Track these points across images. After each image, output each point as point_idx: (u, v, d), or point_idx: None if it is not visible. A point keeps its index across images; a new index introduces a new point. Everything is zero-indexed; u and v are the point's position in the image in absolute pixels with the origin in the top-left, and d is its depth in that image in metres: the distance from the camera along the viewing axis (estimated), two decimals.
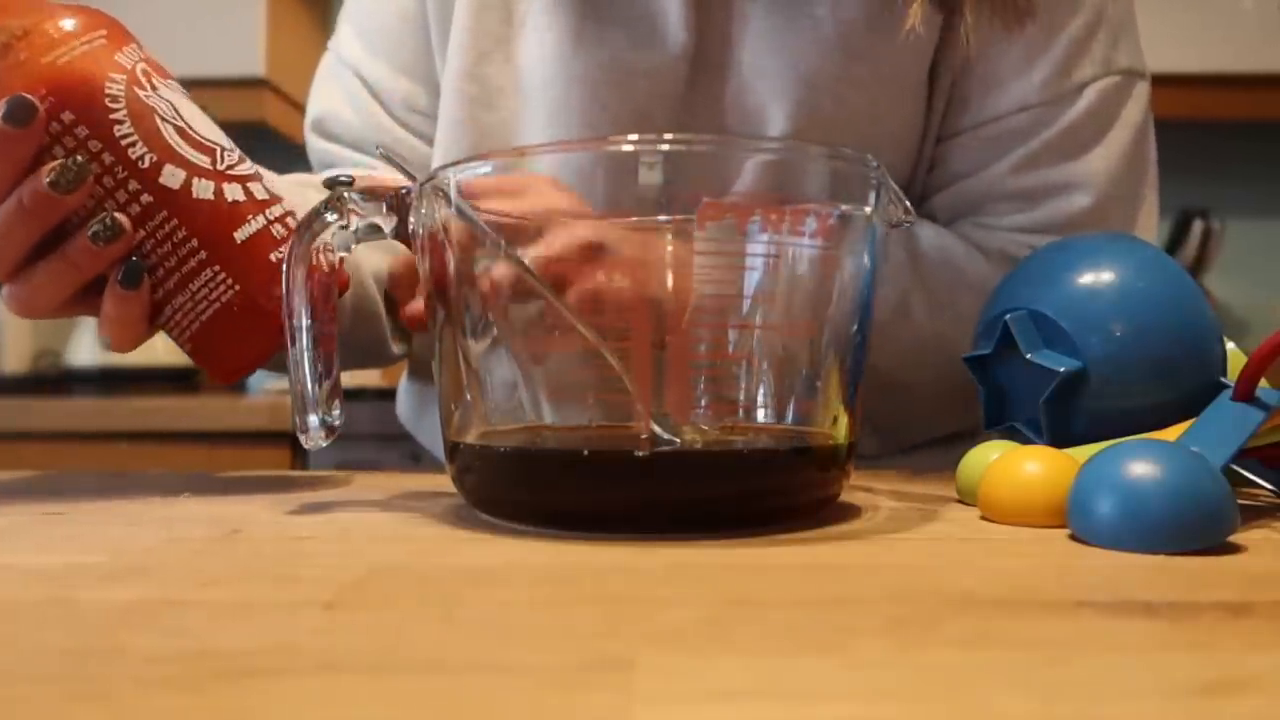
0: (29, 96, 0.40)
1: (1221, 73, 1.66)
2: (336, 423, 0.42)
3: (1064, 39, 0.60)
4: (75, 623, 0.25)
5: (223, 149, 0.44)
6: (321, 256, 0.41)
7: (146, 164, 0.42)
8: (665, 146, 0.36)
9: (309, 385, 0.41)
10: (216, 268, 0.43)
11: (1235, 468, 0.42)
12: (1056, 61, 0.60)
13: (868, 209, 0.38)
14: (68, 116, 0.41)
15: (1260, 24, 1.68)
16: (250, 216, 0.43)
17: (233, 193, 0.43)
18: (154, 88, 0.42)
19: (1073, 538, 0.35)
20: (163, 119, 0.42)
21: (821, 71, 0.59)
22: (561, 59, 0.60)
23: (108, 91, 0.41)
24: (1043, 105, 0.60)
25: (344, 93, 0.69)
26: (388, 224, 0.40)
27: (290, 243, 0.40)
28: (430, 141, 0.68)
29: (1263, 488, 0.43)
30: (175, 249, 0.43)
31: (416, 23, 0.67)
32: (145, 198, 0.42)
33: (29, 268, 0.42)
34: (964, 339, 0.58)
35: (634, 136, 0.36)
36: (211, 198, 0.42)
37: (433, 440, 0.76)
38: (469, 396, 0.40)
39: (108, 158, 0.41)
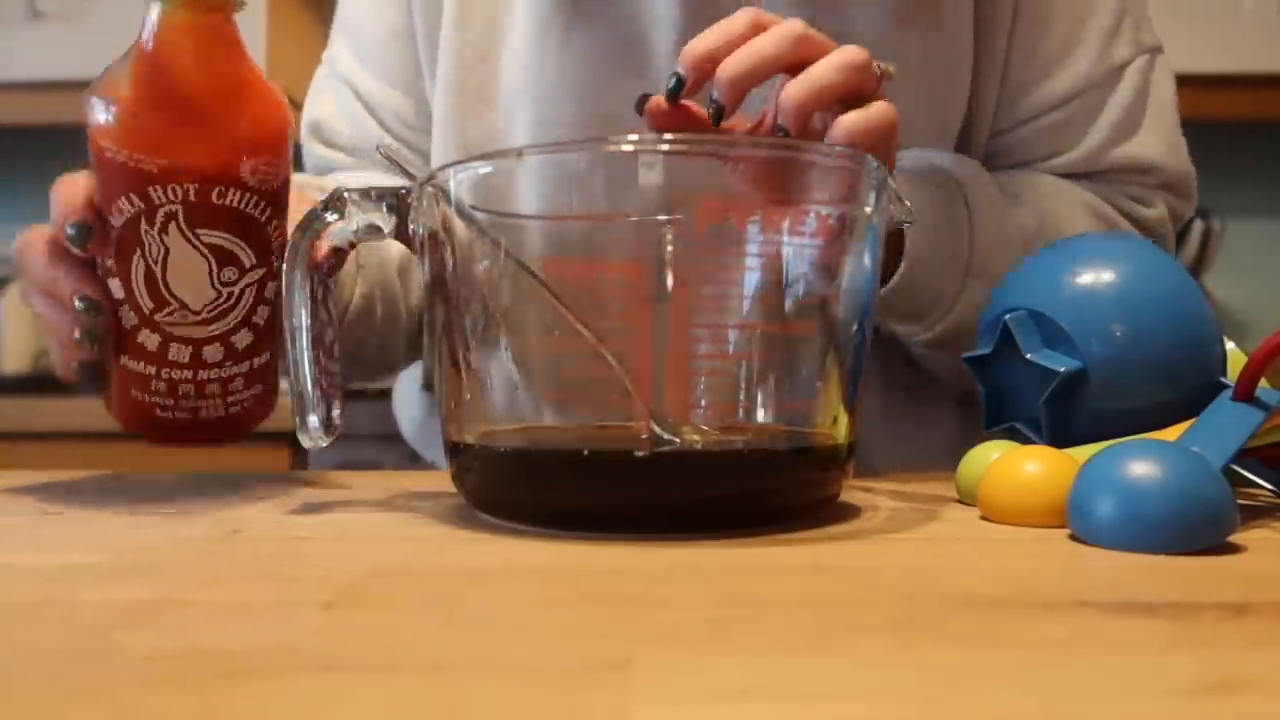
0: (88, 224, 0.42)
1: (1221, 73, 1.66)
2: (337, 423, 0.42)
3: (1097, 25, 0.63)
4: (75, 623, 0.25)
5: (178, 309, 0.43)
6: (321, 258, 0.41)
7: (107, 266, 0.43)
8: (665, 146, 0.36)
9: (309, 385, 0.41)
10: (106, 364, 0.45)
11: (1235, 468, 0.42)
12: (1096, 46, 0.63)
13: (868, 209, 0.38)
14: (96, 199, 0.43)
15: (1260, 24, 1.68)
16: (141, 362, 0.44)
17: (146, 338, 0.44)
18: (164, 230, 0.42)
19: (1073, 538, 0.35)
20: (143, 257, 0.43)
21: None
22: (544, 63, 0.61)
23: (118, 206, 0.42)
24: (1093, 89, 0.63)
25: (338, 103, 0.70)
26: (387, 224, 0.40)
27: (289, 243, 0.40)
28: (419, 152, 0.69)
29: (1263, 488, 0.43)
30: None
31: (405, 39, 0.68)
32: (105, 280, 0.44)
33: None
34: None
35: (634, 136, 0.36)
36: (126, 328, 0.44)
37: (439, 451, 0.77)
38: (469, 396, 0.40)
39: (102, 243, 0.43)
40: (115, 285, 0.43)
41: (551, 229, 0.40)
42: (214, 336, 0.44)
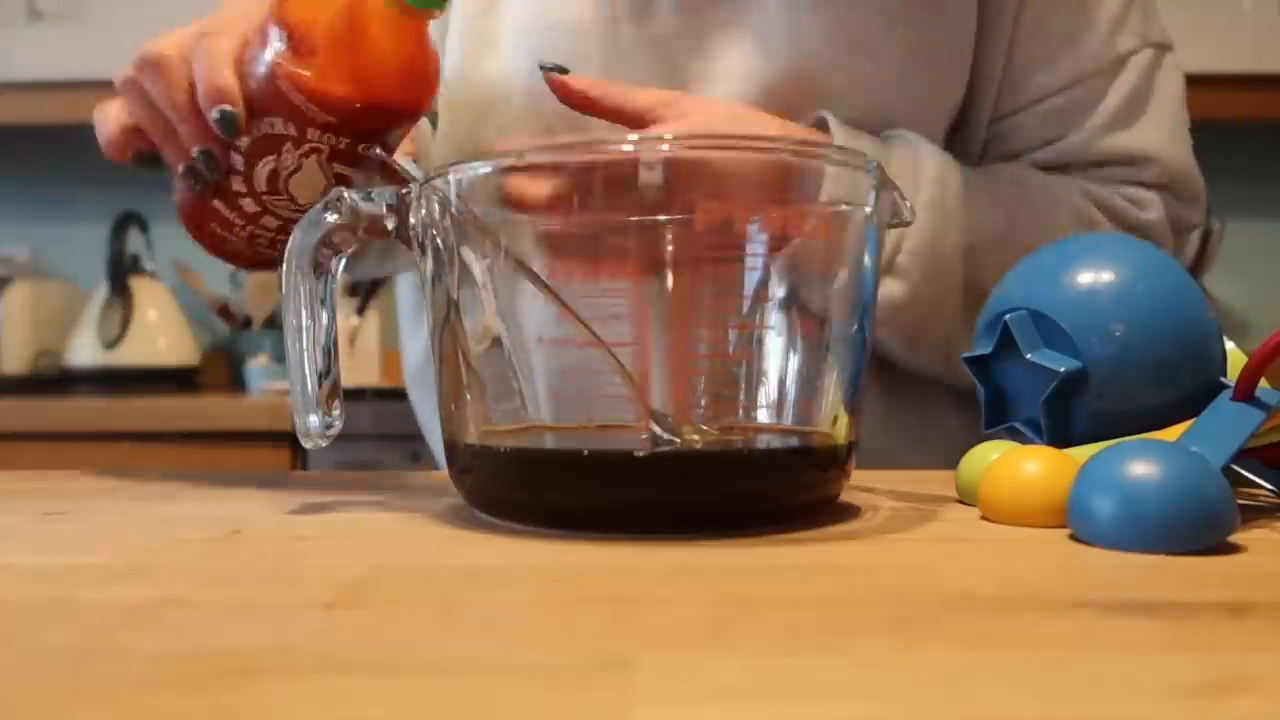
0: (239, 120, 0.45)
1: (1221, 73, 1.66)
2: (336, 423, 0.42)
3: (1103, 15, 0.63)
4: (76, 623, 0.25)
5: (287, 200, 0.47)
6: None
7: (235, 143, 0.46)
8: (665, 147, 0.36)
9: (309, 385, 0.41)
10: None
11: (1235, 468, 0.42)
12: (1101, 35, 0.63)
13: (868, 209, 0.38)
14: (245, 87, 0.45)
15: (1260, 24, 1.68)
16: (233, 214, 0.48)
17: (246, 203, 0.47)
18: (305, 155, 0.45)
19: (1073, 538, 0.35)
20: (274, 160, 0.46)
21: (862, 33, 0.60)
22: (546, 4, 0.63)
23: (271, 121, 0.45)
24: (1094, 77, 0.63)
25: None
26: (388, 223, 0.40)
27: (289, 244, 0.40)
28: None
29: (1263, 488, 0.43)
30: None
31: None
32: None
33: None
34: None
35: (634, 136, 0.36)
36: (231, 188, 0.47)
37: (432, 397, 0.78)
38: (469, 396, 0.40)
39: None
40: (237, 158, 0.46)
41: (552, 229, 0.40)
42: (275, 222, 0.48)
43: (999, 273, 0.58)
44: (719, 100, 0.57)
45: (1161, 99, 0.65)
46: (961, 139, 0.66)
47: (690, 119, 0.52)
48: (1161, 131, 0.64)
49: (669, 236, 0.37)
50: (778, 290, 0.38)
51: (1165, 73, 0.65)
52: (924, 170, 0.59)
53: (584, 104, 0.53)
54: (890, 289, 0.59)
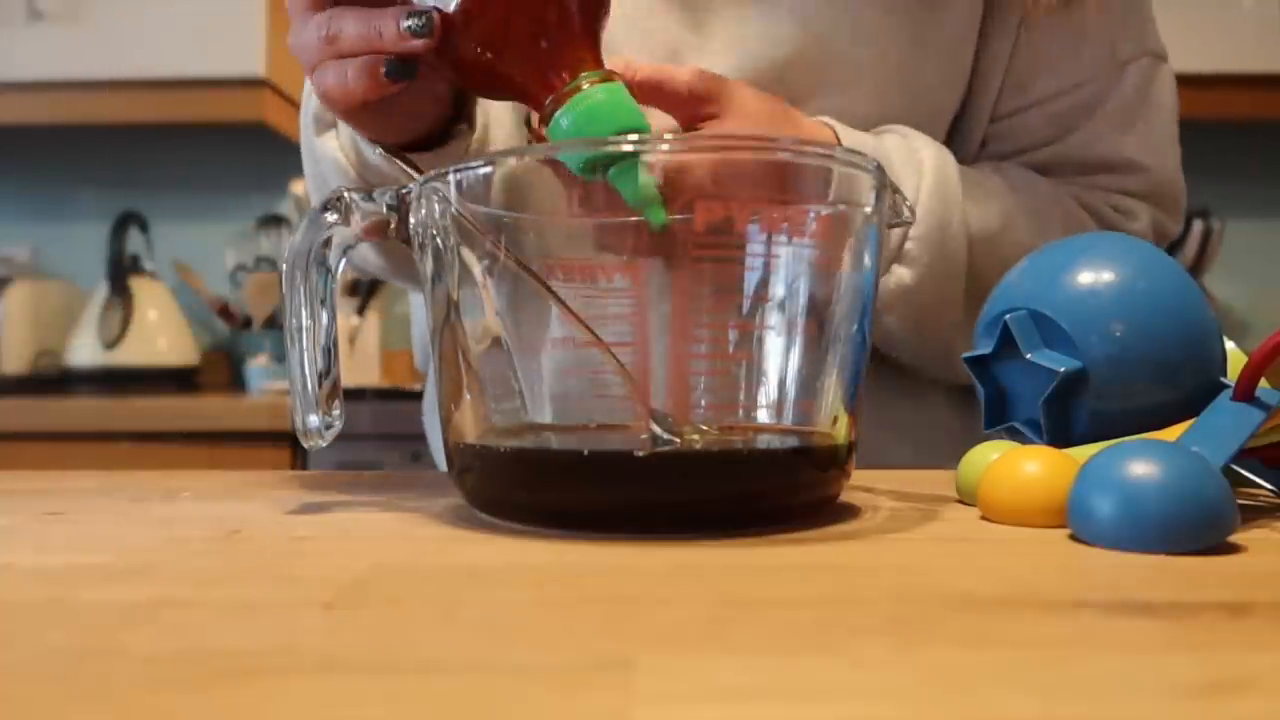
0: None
1: (1221, 73, 1.66)
2: (336, 423, 0.42)
3: (1106, 21, 0.64)
4: (75, 623, 0.25)
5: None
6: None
7: None
8: (665, 146, 0.36)
9: (309, 385, 0.41)
10: None
11: (1235, 468, 0.42)
12: (1103, 40, 0.64)
13: (868, 209, 0.38)
14: None
15: (1260, 24, 1.68)
16: None
17: None
18: None
19: (1073, 538, 0.35)
20: None
21: (865, 21, 0.61)
22: None
23: None
24: (1094, 82, 0.65)
25: None
26: (389, 223, 0.40)
27: (289, 244, 0.40)
28: None
29: (1263, 488, 0.43)
30: None
31: None
32: None
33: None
34: None
35: (634, 136, 0.36)
36: None
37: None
38: (469, 396, 0.40)
39: None
40: None
41: (552, 228, 0.40)
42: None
43: (995, 266, 0.59)
44: (756, 97, 0.54)
45: (1155, 108, 0.66)
46: (959, 134, 0.67)
47: (733, 118, 0.51)
48: (1154, 140, 0.66)
49: (669, 236, 0.37)
50: (778, 290, 0.38)
51: (1160, 82, 0.66)
52: (924, 159, 0.59)
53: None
54: (900, 275, 0.59)
